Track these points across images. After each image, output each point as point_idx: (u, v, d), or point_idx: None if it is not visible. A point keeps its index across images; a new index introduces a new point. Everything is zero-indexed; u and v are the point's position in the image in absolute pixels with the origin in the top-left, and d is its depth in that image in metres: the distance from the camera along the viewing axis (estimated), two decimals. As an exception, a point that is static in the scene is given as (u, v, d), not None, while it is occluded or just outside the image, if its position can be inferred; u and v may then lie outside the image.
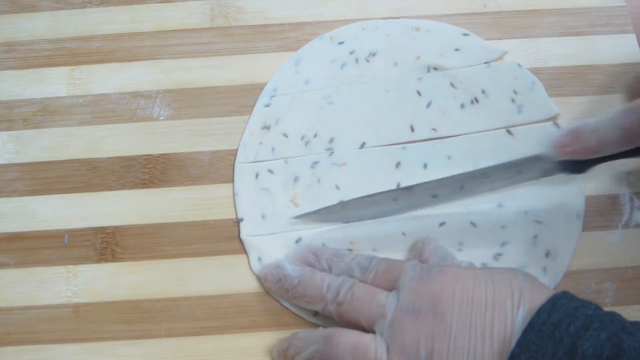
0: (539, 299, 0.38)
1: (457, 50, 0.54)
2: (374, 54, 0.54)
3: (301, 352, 0.42)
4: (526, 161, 0.46)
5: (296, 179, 0.50)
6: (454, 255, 0.46)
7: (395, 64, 0.54)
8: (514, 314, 0.38)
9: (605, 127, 0.42)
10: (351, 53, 0.54)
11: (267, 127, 0.52)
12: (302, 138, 0.52)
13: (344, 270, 0.45)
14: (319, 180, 0.50)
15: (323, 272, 0.45)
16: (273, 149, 0.51)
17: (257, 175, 0.50)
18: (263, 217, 0.49)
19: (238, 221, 0.49)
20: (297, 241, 0.48)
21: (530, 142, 0.51)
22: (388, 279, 0.43)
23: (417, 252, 0.46)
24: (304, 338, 0.43)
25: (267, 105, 0.53)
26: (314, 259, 0.46)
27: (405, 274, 0.42)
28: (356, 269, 0.44)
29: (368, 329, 0.42)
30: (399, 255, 0.48)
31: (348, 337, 0.41)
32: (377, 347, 0.40)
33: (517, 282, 0.40)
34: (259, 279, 0.48)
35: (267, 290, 0.47)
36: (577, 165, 0.45)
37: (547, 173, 0.46)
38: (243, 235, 0.49)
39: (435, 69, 0.54)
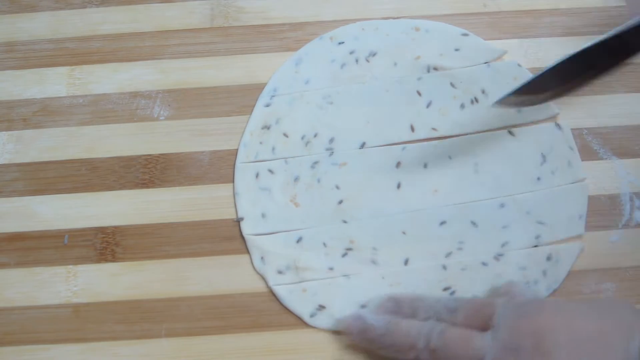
0: None
1: (456, 50, 0.54)
2: (374, 54, 0.54)
3: None
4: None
5: (296, 179, 0.50)
6: (542, 295, 0.45)
7: (395, 64, 0.54)
8: (625, 347, 0.36)
9: None
10: (351, 53, 0.54)
11: (267, 127, 0.52)
12: (302, 138, 0.52)
13: (430, 314, 0.43)
14: (319, 180, 0.50)
15: (407, 319, 0.43)
16: (273, 149, 0.51)
17: (257, 175, 0.51)
18: (263, 216, 0.49)
19: (238, 220, 0.49)
20: (298, 241, 0.48)
21: (531, 142, 0.51)
22: (480, 318, 0.41)
23: (504, 293, 0.44)
24: None
25: (268, 105, 0.53)
26: (394, 305, 0.45)
27: (500, 311, 0.40)
28: (443, 311, 0.43)
29: None
30: (399, 253, 0.48)
31: None
32: None
33: (623, 314, 0.38)
34: (260, 278, 0.48)
35: (350, 340, 0.45)
36: None
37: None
38: (245, 234, 0.49)
39: (435, 69, 0.54)
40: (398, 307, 0.44)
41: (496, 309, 0.41)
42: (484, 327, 0.40)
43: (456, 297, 0.44)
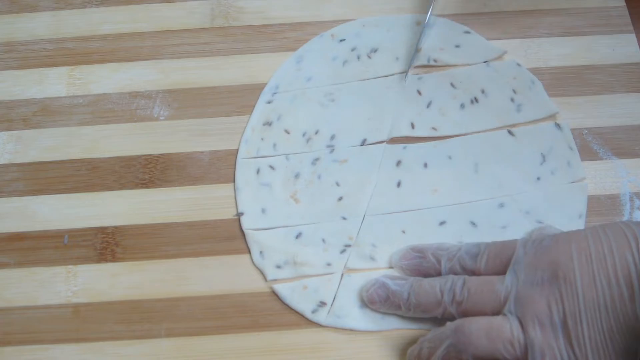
0: None
1: (457, 46, 0.54)
2: (375, 50, 0.54)
3: (435, 351, 0.42)
4: None
5: (297, 175, 0.50)
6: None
7: (397, 58, 0.54)
8: (635, 259, 0.38)
9: None
10: (352, 50, 0.54)
11: (268, 124, 0.52)
12: (304, 135, 0.52)
13: (453, 261, 0.44)
14: (319, 177, 0.50)
15: (428, 277, 0.45)
16: (274, 145, 0.51)
17: (258, 171, 0.51)
18: (263, 211, 0.49)
19: (239, 215, 0.49)
20: (298, 236, 0.48)
21: (531, 142, 0.51)
22: (501, 260, 0.43)
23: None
24: (433, 338, 0.43)
25: (269, 102, 0.53)
26: (419, 256, 0.46)
27: (518, 251, 0.42)
28: (466, 257, 0.44)
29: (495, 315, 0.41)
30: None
31: (478, 323, 0.41)
32: (510, 324, 0.40)
33: (631, 231, 0.40)
34: (260, 279, 0.48)
35: (373, 310, 0.46)
36: None
37: None
38: (245, 229, 0.49)
39: (435, 60, 0.54)
40: (421, 256, 0.46)
41: (516, 250, 0.43)
42: (505, 268, 0.43)
43: (477, 242, 0.45)
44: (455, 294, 0.42)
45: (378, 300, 0.45)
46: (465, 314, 0.42)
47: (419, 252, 0.46)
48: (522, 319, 0.40)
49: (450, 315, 0.43)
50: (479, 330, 0.40)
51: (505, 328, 0.40)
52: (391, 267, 0.48)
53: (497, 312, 0.41)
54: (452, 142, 0.51)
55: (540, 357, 0.39)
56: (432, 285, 0.44)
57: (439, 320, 0.44)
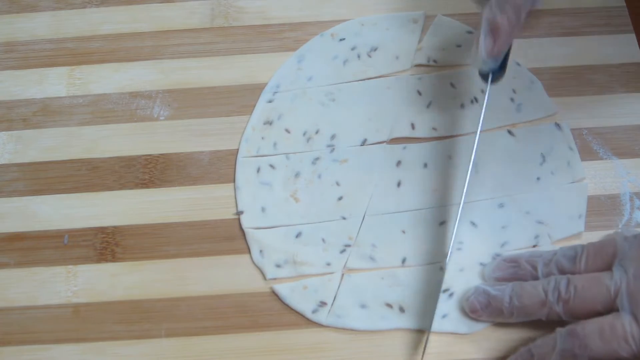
0: None
1: (458, 46, 0.54)
2: (375, 49, 0.54)
3: (548, 357, 0.41)
4: None
5: (297, 175, 0.50)
6: None
7: (397, 57, 0.54)
8: None
9: None
10: (352, 49, 0.55)
11: (269, 123, 0.52)
12: (304, 134, 0.52)
13: (551, 267, 0.44)
14: (319, 176, 0.50)
15: (527, 281, 0.44)
16: (275, 144, 0.51)
17: (258, 170, 0.51)
18: (263, 210, 0.49)
19: (238, 214, 0.49)
20: (297, 235, 0.48)
21: (531, 142, 0.51)
22: (602, 258, 0.43)
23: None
24: (543, 344, 0.42)
25: (270, 101, 0.53)
26: (513, 265, 0.45)
27: (622, 246, 0.42)
28: (563, 261, 0.44)
29: (605, 312, 0.41)
30: (398, 252, 0.48)
31: (591, 325, 0.40)
32: (623, 321, 0.40)
33: None
34: (260, 279, 0.48)
35: (474, 318, 0.45)
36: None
37: None
38: (245, 227, 0.49)
39: (435, 61, 0.54)
40: (515, 265, 0.45)
41: (617, 245, 0.42)
42: (608, 265, 0.42)
43: (573, 244, 0.45)
44: (560, 292, 0.42)
45: (480, 307, 0.44)
46: (572, 312, 0.42)
47: (513, 261, 0.45)
48: (636, 313, 0.39)
49: (556, 315, 0.42)
50: (593, 332, 0.40)
51: (619, 325, 0.40)
52: (391, 267, 0.48)
53: (607, 308, 0.41)
54: (452, 142, 0.51)
55: None
56: (534, 287, 0.43)
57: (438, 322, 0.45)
